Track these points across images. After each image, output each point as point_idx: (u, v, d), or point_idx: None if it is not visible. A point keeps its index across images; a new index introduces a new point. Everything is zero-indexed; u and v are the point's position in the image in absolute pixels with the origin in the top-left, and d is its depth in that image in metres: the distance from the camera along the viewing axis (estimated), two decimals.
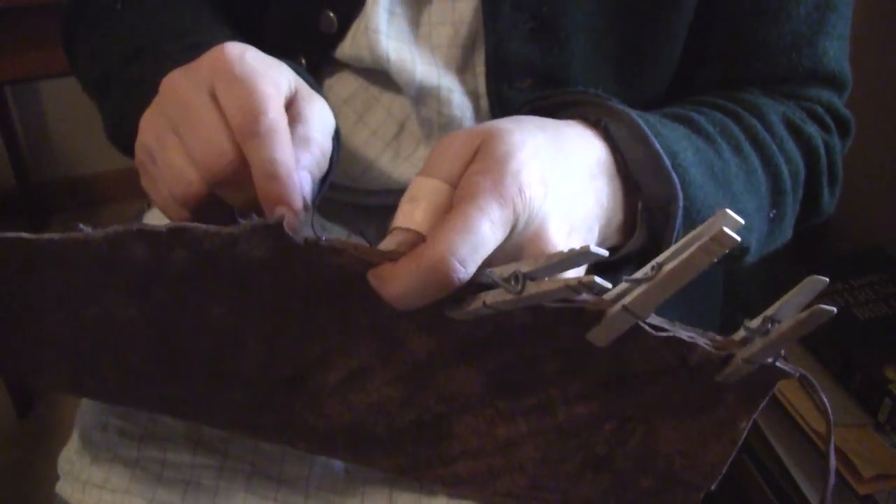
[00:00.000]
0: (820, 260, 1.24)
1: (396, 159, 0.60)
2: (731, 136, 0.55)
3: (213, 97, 0.42)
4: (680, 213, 0.46)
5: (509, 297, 0.37)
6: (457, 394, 0.44)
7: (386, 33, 0.56)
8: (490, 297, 0.38)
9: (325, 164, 0.45)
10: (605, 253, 0.35)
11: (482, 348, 0.42)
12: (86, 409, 0.58)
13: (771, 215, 0.57)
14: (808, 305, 0.37)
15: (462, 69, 0.58)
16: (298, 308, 0.42)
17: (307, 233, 0.39)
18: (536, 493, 0.49)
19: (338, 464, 0.55)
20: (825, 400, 0.42)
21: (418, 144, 0.60)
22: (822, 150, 0.59)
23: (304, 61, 0.60)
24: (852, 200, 1.23)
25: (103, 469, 0.54)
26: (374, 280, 0.38)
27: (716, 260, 0.35)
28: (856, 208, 1.24)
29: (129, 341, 0.45)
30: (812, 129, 0.59)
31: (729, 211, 0.38)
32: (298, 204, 0.40)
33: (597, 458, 0.46)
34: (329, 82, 0.61)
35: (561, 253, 0.36)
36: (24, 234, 0.41)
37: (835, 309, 0.36)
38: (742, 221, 0.38)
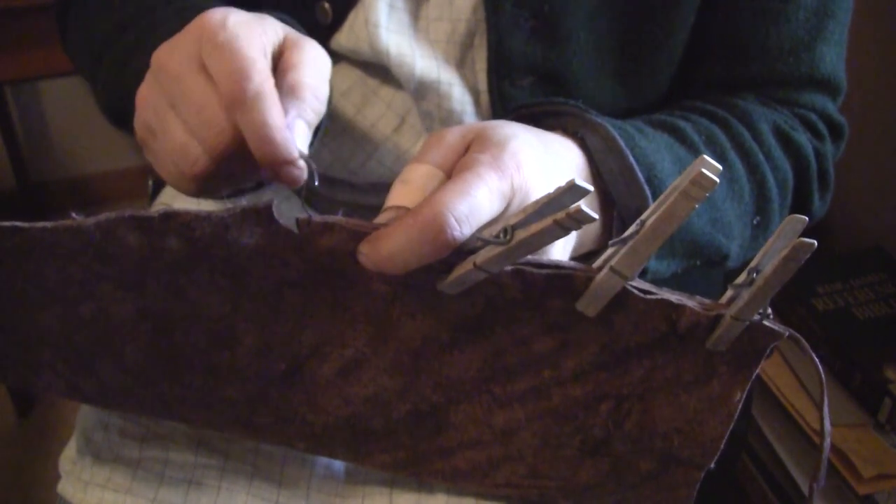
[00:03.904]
0: (820, 260, 1.24)
1: (397, 152, 0.61)
2: (716, 144, 0.56)
3: (203, 68, 0.42)
4: None
5: (499, 250, 0.36)
6: (452, 380, 0.44)
7: (386, 27, 0.56)
8: (480, 256, 0.37)
9: (320, 108, 0.44)
10: (591, 188, 0.35)
11: (475, 329, 0.42)
12: (87, 409, 0.58)
13: (755, 222, 0.58)
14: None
15: (460, 65, 0.58)
16: (291, 297, 0.42)
17: (299, 214, 0.39)
18: (536, 482, 0.49)
19: (338, 465, 0.55)
20: (816, 359, 0.42)
21: (419, 137, 0.61)
22: (811, 158, 0.60)
23: None
24: (852, 200, 1.23)
25: (105, 469, 0.54)
26: (367, 246, 0.38)
27: (696, 206, 0.34)
28: (856, 208, 1.24)
29: (125, 338, 0.45)
30: (803, 137, 0.60)
31: (707, 157, 0.38)
32: (295, 155, 0.39)
33: (595, 442, 0.46)
34: None
35: (547, 195, 0.36)
36: (19, 223, 0.41)
37: (815, 242, 0.35)
38: (720, 167, 0.37)
